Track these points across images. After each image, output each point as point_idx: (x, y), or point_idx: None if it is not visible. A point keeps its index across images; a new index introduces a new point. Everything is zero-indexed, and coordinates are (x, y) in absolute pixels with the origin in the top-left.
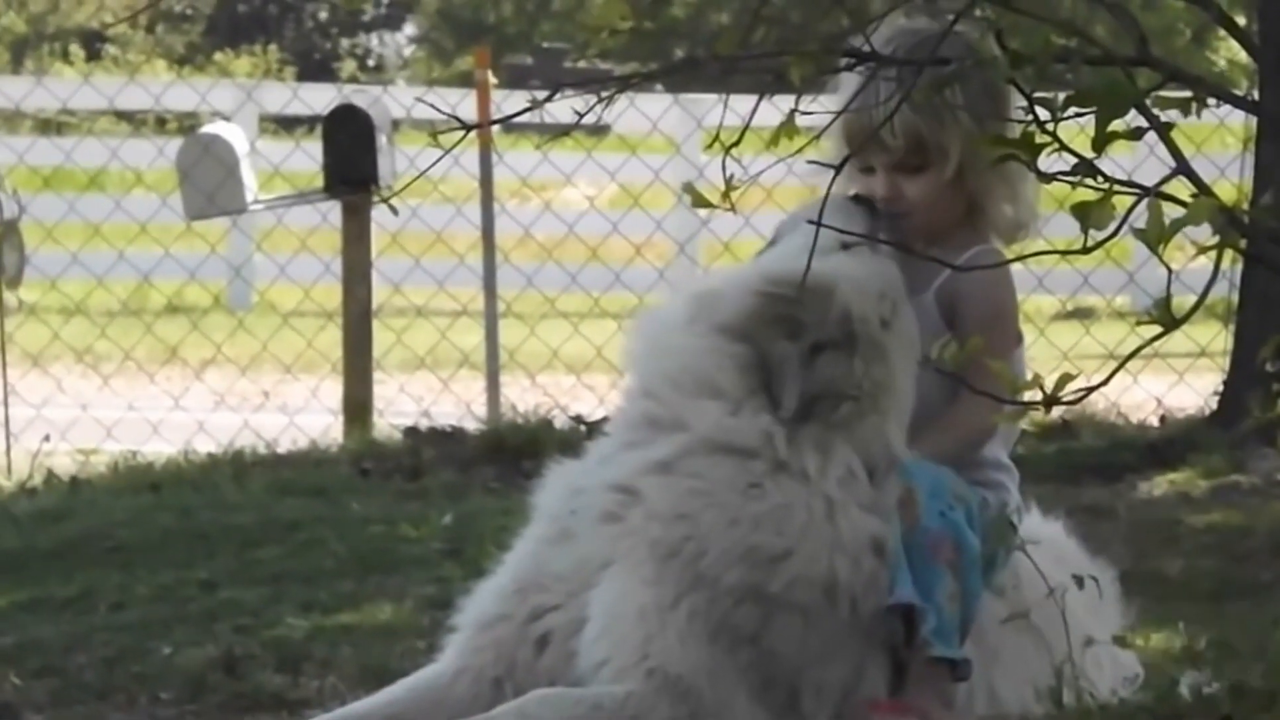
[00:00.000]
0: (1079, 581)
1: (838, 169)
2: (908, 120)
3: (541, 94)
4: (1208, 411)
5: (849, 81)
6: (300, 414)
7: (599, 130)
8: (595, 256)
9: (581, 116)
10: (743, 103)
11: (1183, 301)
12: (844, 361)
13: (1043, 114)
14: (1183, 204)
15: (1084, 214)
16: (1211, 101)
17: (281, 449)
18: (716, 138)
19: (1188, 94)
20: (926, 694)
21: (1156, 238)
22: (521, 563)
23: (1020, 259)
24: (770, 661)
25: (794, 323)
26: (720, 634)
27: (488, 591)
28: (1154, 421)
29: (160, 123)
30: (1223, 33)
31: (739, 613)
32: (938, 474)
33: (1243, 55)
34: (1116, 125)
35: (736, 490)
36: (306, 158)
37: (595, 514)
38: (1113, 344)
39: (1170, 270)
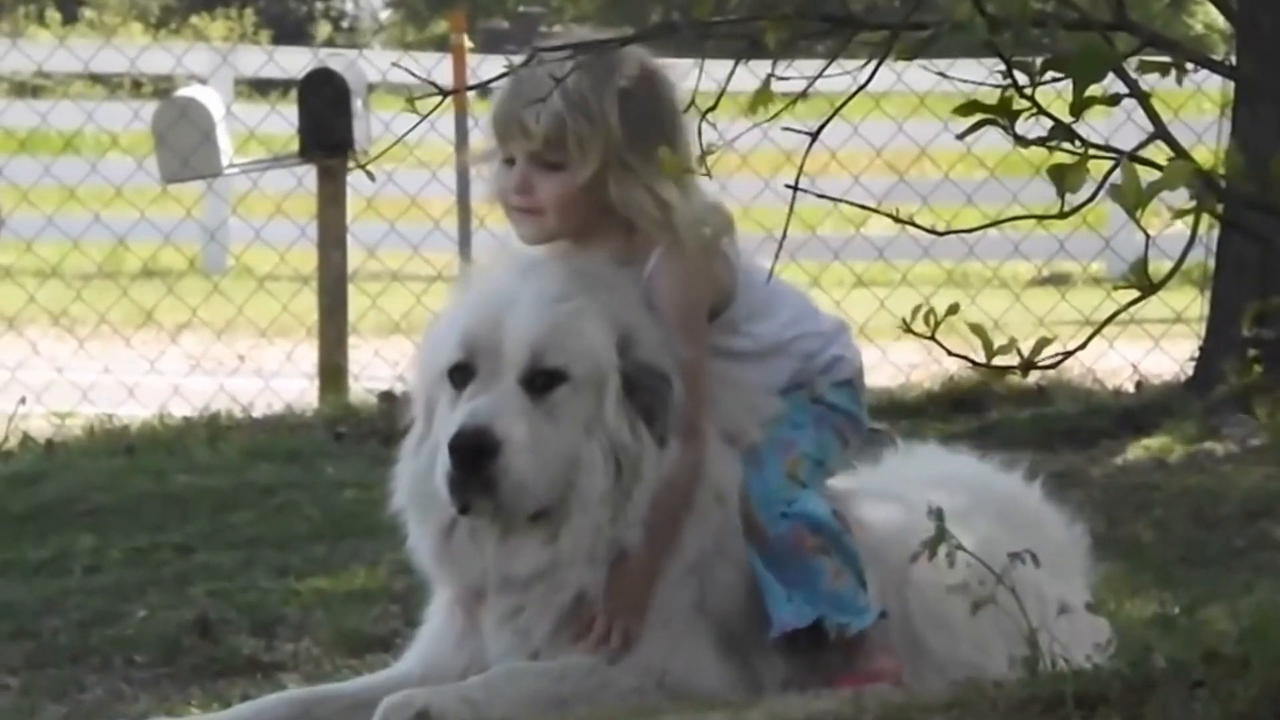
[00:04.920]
0: (1017, 557)
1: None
2: (555, 111)
3: (518, 58)
4: (1183, 377)
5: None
6: (275, 378)
7: None
8: None
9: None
10: (719, 68)
11: (1159, 267)
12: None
13: (1021, 78)
14: (1160, 169)
15: (1059, 177)
16: (1189, 66)
17: (256, 413)
18: (692, 102)
19: (1166, 59)
20: (876, 657)
21: (1133, 201)
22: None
23: (996, 223)
24: (716, 618)
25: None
26: (682, 613)
27: (431, 649)
28: (1129, 387)
29: (136, 86)
30: None
31: (691, 589)
32: (761, 476)
33: (1220, 20)
34: (1094, 90)
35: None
36: (282, 121)
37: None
38: (1088, 309)
39: (1147, 235)
